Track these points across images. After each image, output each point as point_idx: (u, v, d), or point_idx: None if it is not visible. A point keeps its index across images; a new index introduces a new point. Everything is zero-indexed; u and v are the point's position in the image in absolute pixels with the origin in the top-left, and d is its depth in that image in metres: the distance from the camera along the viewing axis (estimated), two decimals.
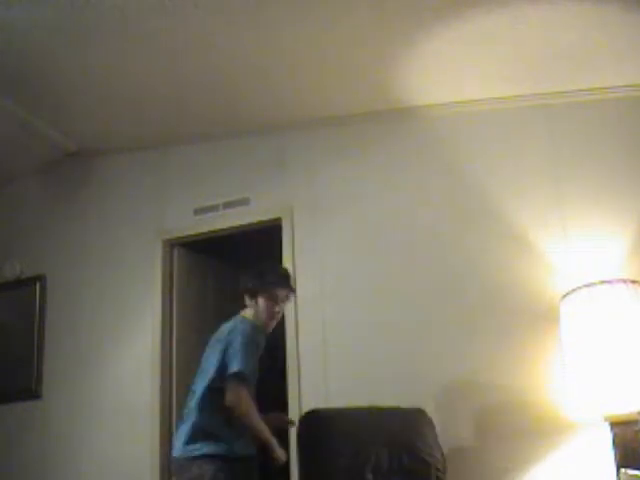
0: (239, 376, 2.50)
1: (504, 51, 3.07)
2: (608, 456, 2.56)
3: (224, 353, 2.56)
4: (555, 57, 3.08)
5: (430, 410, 2.91)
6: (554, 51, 3.04)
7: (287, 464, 3.26)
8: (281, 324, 3.59)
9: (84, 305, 4.09)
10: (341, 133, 3.74)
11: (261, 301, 2.71)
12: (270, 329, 2.78)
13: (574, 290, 2.68)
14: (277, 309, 2.73)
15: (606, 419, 2.56)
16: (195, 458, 2.47)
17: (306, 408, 3.06)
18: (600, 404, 2.54)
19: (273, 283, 2.73)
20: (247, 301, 2.76)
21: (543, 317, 2.98)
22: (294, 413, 3.33)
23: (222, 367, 2.54)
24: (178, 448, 2.54)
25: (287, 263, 3.64)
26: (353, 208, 3.61)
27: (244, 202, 3.86)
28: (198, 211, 3.97)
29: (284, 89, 3.53)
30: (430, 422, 2.87)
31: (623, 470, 2.37)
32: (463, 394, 3.10)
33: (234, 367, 2.50)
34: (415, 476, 2.69)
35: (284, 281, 2.78)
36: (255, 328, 2.68)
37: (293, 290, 2.84)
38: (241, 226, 3.86)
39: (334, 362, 3.38)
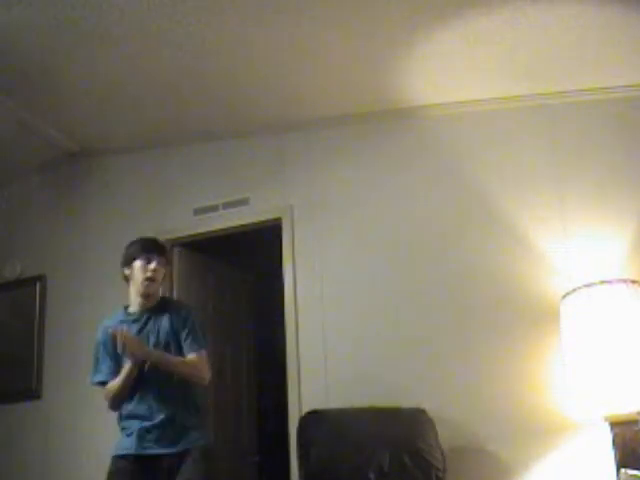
0: None
1: (504, 51, 3.07)
2: (608, 456, 2.56)
3: None
4: (555, 57, 3.08)
5: (430, 410, 2.91)
6: (554, 51, 3.04)
7: (287, 464, 3.27)
8: (281, 324, 3.61)
9: (84, 305, 4.09)
10: (341, 133, 3.74)
11: (136, 264, 2.79)
12: (148, 302, 2.78)
13: (574, 290, 2.68)
14: (150, 274, 2.74)
15: (606, 419, 2.57)
16: None
17: (306, 408, 3.06)
18: (600, 404, 2.55)
19: (129, 254, 2.81)
20: (126, 273, 2.85)
21: (543, 317, 2.98)
22: (294, 413, 3.33)
23: None
24: None
25: (287, 263, 3.65)
26: (353, 208, 3.61)
27: (244, 202, 3.86)
28: (198, 211, 3.97)
29: (284, 89, 3.53)
30: (430, 422, 2.88)
31: (623, 470, 2.38)
32: (463, 394, 3.09)
33: None
34: (415, 476, 2.70)
35: (138, 247, 2.82)
36: (105, 324, 2.81)
37: (147, 251, 2.80)
38: (241, 226, 3.86)
39: (334, 362, 3.38)
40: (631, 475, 2.31)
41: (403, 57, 3.15)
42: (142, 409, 2.62)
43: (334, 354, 3.39)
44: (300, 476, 2.77)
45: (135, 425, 2.61)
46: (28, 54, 3.21)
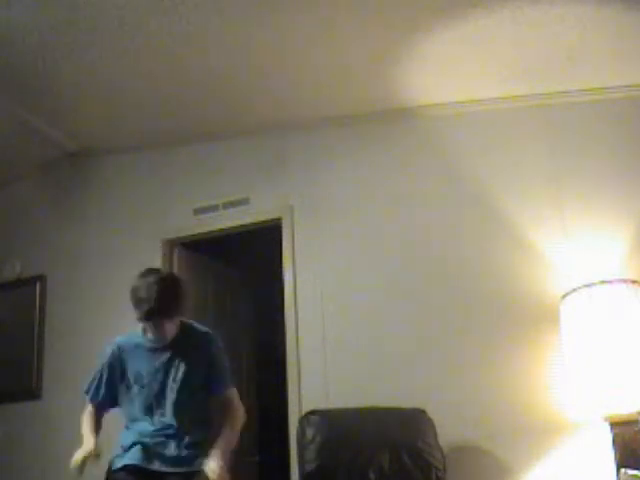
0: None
1: (504, 51, 3.07)
2: (608, 456, 2.56)
3: None
4: (555, 57, 3.08)
5: (430, 410, 2.91)
6: (554, 51, 3.04)
7: (287, 464, 3.27)
8: (281, 324, 3.61)
9: (84, 305, 4.09)
10: (341, 133, 3.74)
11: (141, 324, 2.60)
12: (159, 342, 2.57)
13: (574, 290, 2.68)
14: (160, 334, 2.52)
15: (606, 419, 2.57)
16: None
17: (306, 408, 3.06)
18: (600, 404, 2.55)
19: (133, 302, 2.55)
20: None
21: (543, 317, 2.98)
22: (294, 413, 3.33)
23: None
24: None
25: (287, 263, 3.65)
26: (353, 208, 3.61)
27: (244, 202, 3.86)
28: (198, 211, 3.97)
29: (284, 89, 3.53)
30: (430, 422, 2.87)
31: (623, 470, 2.38)
32: (463, 394, 3.09)
33: None
34: (415, 476, 2.70)
35: (136, 305, 2.52)
36: (118, 342, 2.70)
37: (145, 319, 2.50)
38: (241, 226, 3.86)
39: (334, 362, 3.38)
40: (631, 475, 2.31)
41: (403, 57, 3.15)
42: (155, 423, 2.53)
43: (334, 354, 3.39)
44: (300, 476, 2.77)
45: (143, 438, 2.50)
46: (28, 54, 3.21)
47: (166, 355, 2.58)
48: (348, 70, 3.31)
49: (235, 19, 2.93)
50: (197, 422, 2.58)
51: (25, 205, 4.57)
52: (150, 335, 2.55)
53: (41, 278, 4.29)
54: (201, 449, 2.51)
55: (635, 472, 2.31)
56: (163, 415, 2.53)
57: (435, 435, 2.85)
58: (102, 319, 3.99)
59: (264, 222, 3.81)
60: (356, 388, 3.26)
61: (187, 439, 2.52)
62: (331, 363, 3.38)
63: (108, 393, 2.63)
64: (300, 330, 3.51)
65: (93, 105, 3.75)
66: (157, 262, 3.96)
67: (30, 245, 4.44)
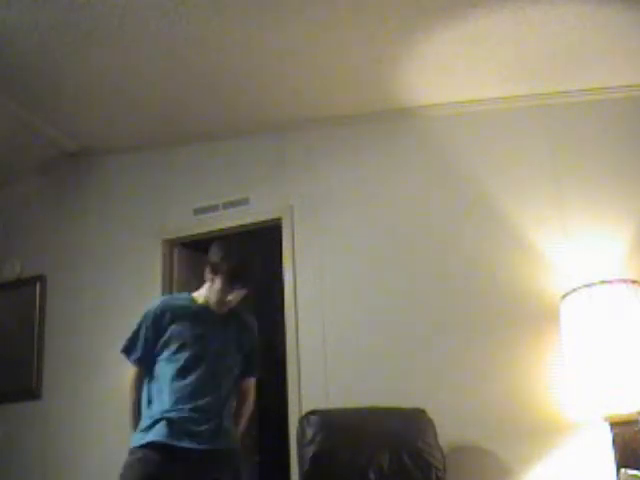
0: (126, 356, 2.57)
1: (504, 51, 3.07)
2: (608, 456, 2.56)
3: None
4: (555, 57, 3.08)
5: (430, 410, 2.91)
6: (554, 51, 3.04)
7: (287, 464, 3.27)
8: (281, 324, 3.61)
9: (84, 305, 4.09)
10: (341, 133, 3.74)
11: (218, 282, 2.49)
12: (221, 311, 2.56)
13: (574, 290, 2.68)
14: (230, 297, 2.49)
15: (606, 419, 2.57)
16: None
17: (306, 408, 3.06)
18: (600, 404, 2.55)
19: (216, 265, 2.48)
20: (207, 275, 2.55)
21: (543, 317, 2.98)
22: (294, 413, 3.33)
23: None
24: None
25: (287, 263, 3.65)
26: (353, 208, 3.61)
27: (244, 202, 3.86)
28: (198, 211, 3.97)
29: (284, 89, 3.53)
30: (430, 422, 2.87)
31: (623, 470, 2.37)
32: (463, 394, 3.09)
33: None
34: (415, 476, 2.70)
35: (225, 266, 2.46)
36: (166, 301, 2.62)
37: (242, 286, 2.49)
38: (241, 226, 3.86)
39: (334, 362, 3.38)
40: (631, 475, 2.31)
41: (403, 57, 3.15)
42: (187, 389, 2.41)
43: (334, 354, 3.39)
44: (300, 476, 2.77)
45: (170, 413, 2.36)
46: (28, 54, 3.21)
47: (212, 325, 2.53)
48: (348, 70, 3.31)
49: (235, 19, 2.93)
50: (226, 401, 2.51)
51: (25, 205, 4.57)
52: (214, 299, 2.50)
53: (41, 278, 4.29)
54: (228, 427, 2.49)
55: (635, 472, 2.31)
56: (199, 380, 2.42)
57: (435, 435, 2.84)
58: (102, 319, 3.99)
59: (264, 222, 3.81)
60: (356, 388, 3.26)
61: (216, 416, 2.43)
62: (331, 363, 3.38)
63: (148, 353, 2.51)
64: (300, 330, 3.51)
65: (93, 105, 3.75)
66: (157, 262, 3.96)
67: (30, 245, 4.45)
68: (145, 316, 2.56)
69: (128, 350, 2.57)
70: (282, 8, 2.84)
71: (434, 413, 2.90)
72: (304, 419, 2.89)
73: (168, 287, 3.95)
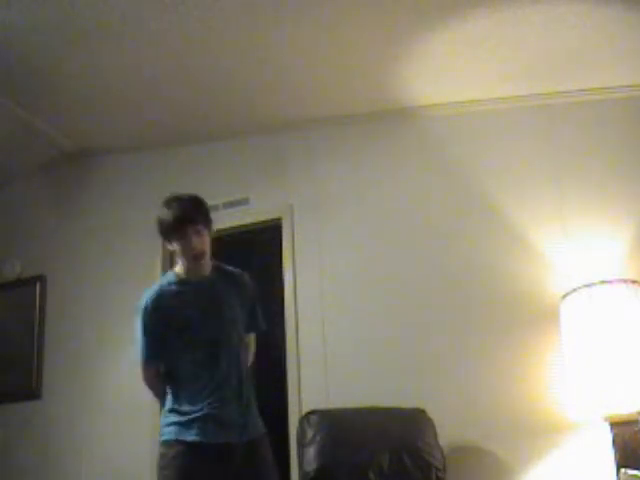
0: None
1: (504, 51, 3.07)
2: (608, 456, 2.56)
3: None
4: (555, 57, 3.08)
5: (430, 410, 2.91)
6: (554, 51, 3.04)
7: (287, 464, 3.27)
8: (281, 324, 3.61)
9: (84, 305, 4.09)
10: (341, 133, 3.74)
11: (175, 243, 2.41)
12: (202, 270, 2.42)
13: (574, 290, 2.68)
14: (194, 244, 2.36)
15: (606, 419, 2.57)
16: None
17: (306, 408, 3.06)
18: (600, 404, 2.55)
19: (163, 233, 2.45)
20: (171, 250, 2.47)
21: (543, 317, 2.98)
22: (294, 413, 3.33)
23: None
24: None
25: (287, 263, 3.65)
26: (353, 208, 3.61)
27: (244, 202, 3.86)
28: None
29: (284, 89, 3.52)
30: (430, 422, 2.88)
31: (623, 470, 2.38)
32: (463, 394, 3.09)
33: None
34: (415, 476, 2.70)
35: (169, 223, 2.42)
36: (154, 290, 2.42)
37: (196, 224, 2.41)
38: (241, 226, 3.86)
39: (334, 362, 3.38)
40: (631, 475, 2.31)
41: (403, 57, 3.15)
42: (226, 380, 2.33)
43: (334, 354, 3.39)
44: (300, 476, 2.77)
45: (203, 406, 2.28)
46: (28, 54, 3.21)
47: (207, 286, 2.41)
48: (348, 70, 3.31)
49: (235, 19, 2.93)
50: (247, 369, 2.44)
51: (25, 205, 4.57)
52: (187, 260, 2.37)
53: (41, 278, 4.29)
54: (254, 407, 2.42)
55: (635, 472, 2.31)
56: (229, 355, 2.34)
57: (435, 435, 2.85)
58: (102, 319, 3.99)
59: (264, 222, 3.81)
60: (356, 388, 3.25)
61: (245, 395, 2.36)
62: (331, 363, 3.38)
63: (162, 347, 2.38)
64: (300, 330, 3.51)
65: (93, 105, 3.75)
66: (157, 262, 3.96)
67: (30, 245, 4.44)
68: (140, 321, 2.42)
69: (146, 355, 2.42)
70: (282, 8, 2.84)
71: (434, 413, 2.91)
72: (304, 419, 2.89)
73: None
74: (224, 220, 3.87)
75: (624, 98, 3.19)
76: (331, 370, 3.37)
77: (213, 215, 3.87)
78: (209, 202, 3.91)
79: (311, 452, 2.75)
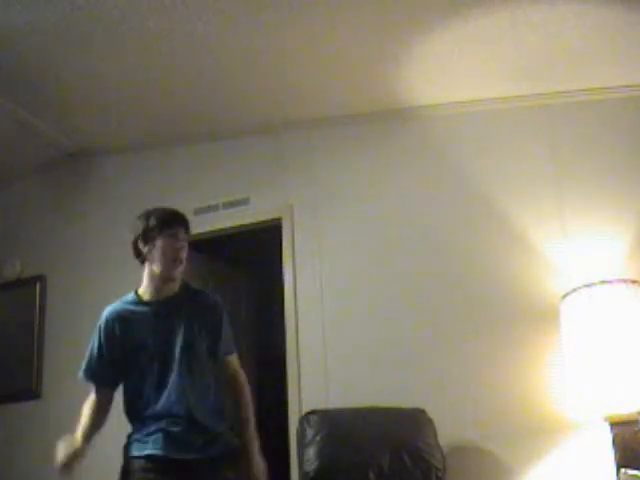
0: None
1: (504, 51, 3.07)
2: (608, 456, 2.56)
3: None
4: (555, 57, 3.08)
5: (430, 410, 2.91)
6: (554, 51, 3.04)
7: (287, 464, 3.27)
8: (281, 324, 3.61)
9: (84, 305, 4.08)
10: (341, 133, 3.74)
11: (159, 240, 2.37)
12: (170, 289, 2.36)
13: (574, 290, 2.68)
14: (179, 245, 2.34)
15: (606, 419, 2.57)
16: None
17: (306, 408, 3.06)
18: (600, 404, 2.55)
19: (150, 228, 2.40)
20: (142, 253, 2.44)
21: (543, 317, 2.98)
22: (294, 413, 3.33)
23: None
24: None
25: (287, 263, 3.65)
26: (353, 208, 3.61)
27: (244, 202, 3.86)
28: (198, 211, 3.96)
29: (284, 89, 3.52)
30: (430, 422, 2.88)
31: (623, 470, 2.38)
32: (463, 394, 3.09)
33: None
34: (415, 476, 2.70)
35: (159, 220, 2.41)
36: (110, 311, 2.39)
37: (179, 225, 2.41)
38: (241, 226, 3.86)
39: (334, 362, 3.38)
40: (631, 475, 2.31)
41: (403, 57, 3.15)
42: (171, 409, 2.25)
43: (334, 354, 3.39)
44: (300, 476, 2.77)
45: (162, 426, 2.24)
46: (28, 54, 3.21)
47: (165, 315, 2.32)
48: (348, 70, 3.31)
49: (235, 19, 2.93)
50: (208, 391, 2.31)
51: (25, 205, 4.57)
52: (162, 263, 2.31)
53: (41, 278, 4.29)
54: (218, 425, 2.30)
55: (635, 472, 2.31)
56: (175, 385, 2.25)
57: (435, 435, 2.85)
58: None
59: (264, 222, 3.81)
60: (356, 388, 3.25)
61: (201, 421, 2.25)
62: (331, 363, 3.38)
63: (110, 371, 2.36)
64: (300, 330, 3.51)
65: (93, 105, 3.75)
66: None
67: (30, 245, 4.44)
68: (94, 339, 2.40)
69: (86, 372, 2.42)
70: (282, 8, 2.83)
71: (434, 413, 2.91)
72: (304, 419, 2.89)
73: None
74: (224, 220, 3.89)
75: (624, 98, 3.19)
76: (331, 370, 3.37)
77: (213, 215, 3.93)
78: (209, 202, 3.97)
79: (311, 452, 2.75)
